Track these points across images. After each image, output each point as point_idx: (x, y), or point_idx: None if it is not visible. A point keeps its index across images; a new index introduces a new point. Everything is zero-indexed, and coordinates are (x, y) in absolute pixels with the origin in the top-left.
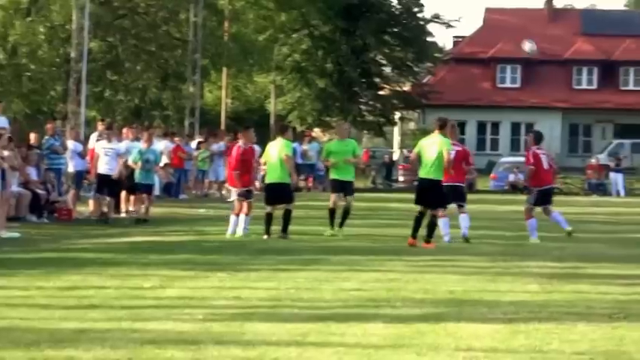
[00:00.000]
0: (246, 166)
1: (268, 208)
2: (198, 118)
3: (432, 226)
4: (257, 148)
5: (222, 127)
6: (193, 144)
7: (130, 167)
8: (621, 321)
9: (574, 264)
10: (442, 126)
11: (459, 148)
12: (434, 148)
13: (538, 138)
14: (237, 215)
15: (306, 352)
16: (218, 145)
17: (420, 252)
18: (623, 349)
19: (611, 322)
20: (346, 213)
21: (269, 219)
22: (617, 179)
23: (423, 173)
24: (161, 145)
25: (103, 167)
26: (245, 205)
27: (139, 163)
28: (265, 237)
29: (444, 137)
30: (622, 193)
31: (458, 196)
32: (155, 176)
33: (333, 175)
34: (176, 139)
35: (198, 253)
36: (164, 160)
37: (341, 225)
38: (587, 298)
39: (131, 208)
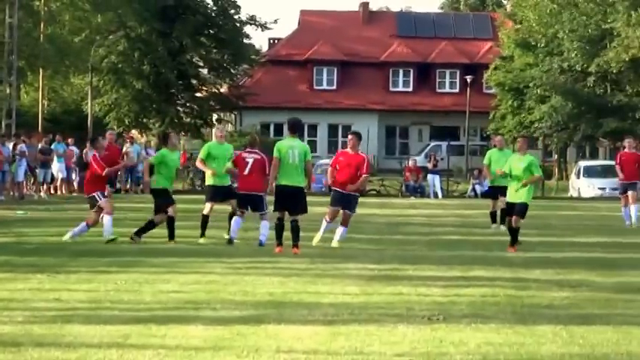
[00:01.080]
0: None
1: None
2: (15, 119)
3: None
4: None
5: (40, 128)
6: (10, 145)
7: None
8: (441, 322)
9: (393, 266)
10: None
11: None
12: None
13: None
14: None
15: (127, 353)
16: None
17: (238, 254)
18: (444, 351)
19: (430, 323)
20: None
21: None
22: (434, 181)
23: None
24: None
25: None
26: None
27: None
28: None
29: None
30: (439, 194)
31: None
32: None
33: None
34: None
35: (17, 254)
36: None
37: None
38: (407, 299)
39: None
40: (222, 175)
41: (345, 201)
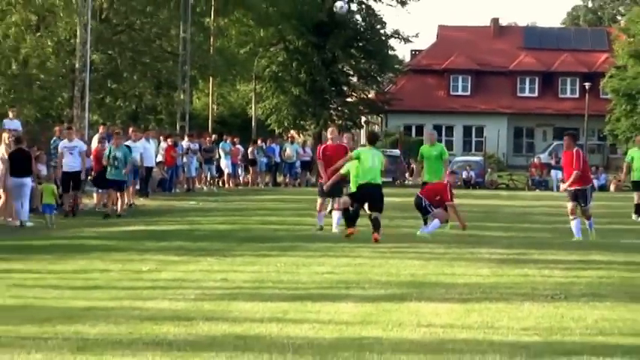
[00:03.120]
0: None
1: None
2: (188, 121)
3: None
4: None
5: (210, 129)
6: (184, 144)
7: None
8: (562, 301)
9: (520, 250)
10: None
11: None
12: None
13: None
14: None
15: (286, 327)
16: (193, 144)
17: (384, 240)
18: (565, 325)
19: (553, 301)
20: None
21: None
22: (557, 176)
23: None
24: (152, 145)
25: (66, 165)
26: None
27: (109, 161)
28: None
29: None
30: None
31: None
32: (124, 173)
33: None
34: (169, 140)
35: (190, 240)
36: (159, 158)
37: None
38: (532, 280)
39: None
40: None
41: None
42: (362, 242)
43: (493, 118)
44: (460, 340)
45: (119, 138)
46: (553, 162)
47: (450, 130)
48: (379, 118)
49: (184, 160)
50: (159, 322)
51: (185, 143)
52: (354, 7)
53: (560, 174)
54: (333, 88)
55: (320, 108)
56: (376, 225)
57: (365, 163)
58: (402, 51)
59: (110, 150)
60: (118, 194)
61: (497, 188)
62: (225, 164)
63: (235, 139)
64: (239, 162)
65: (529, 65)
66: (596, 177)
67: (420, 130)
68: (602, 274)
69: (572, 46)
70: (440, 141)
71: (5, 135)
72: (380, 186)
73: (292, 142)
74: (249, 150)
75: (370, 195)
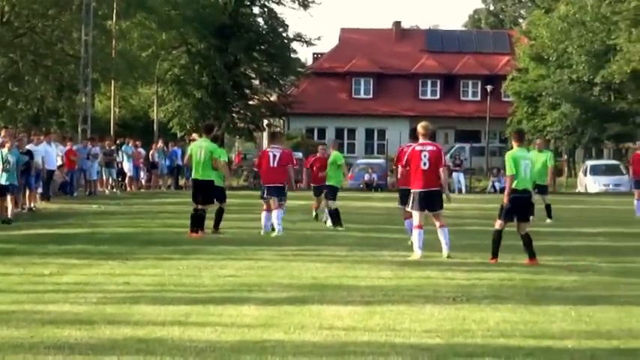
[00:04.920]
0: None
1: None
2: (90, 124)
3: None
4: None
5: (112, 132)
6: (85, 147)
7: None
8: (464, 303)
9: (423, 253)
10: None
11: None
12: None
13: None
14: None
15: (188, 330)
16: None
17: (286, 242)
18: (466, 328)
19: (455, 303)
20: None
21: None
22: (459, 178)
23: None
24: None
25: None
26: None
27: (3, 165)
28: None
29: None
30: (463, 190)
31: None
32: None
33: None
34: (69, 143)
35: (92, 244)
36: (59, 161)
37: None
38: (435, 282)
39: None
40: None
41: None
42: (265, 245)
43: (395, 121)
44: (362, 342)
45: (11, 141)
46: (452, 165)
47: (352, 132)
48: (281, 121)
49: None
50: (60, 325)
51: (86, 147)
52: (256, 10)
53: (462, 176)
54: (236, 91)
55: (222, 111)
56: (196, 221)
57: (194, 158)
58: (304, 54)
59: (2, 154)
60: (9, 198)
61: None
62: (127, 167)
63: (137, 143)
64: (141, 165)
65: (431, 68)
66: (497, 180)
67: (322, 132)
68: (504, 276)
69: (474, 49)
70: (342, 144)
71: None
72: (206, 181)
73: None
74: (151, 153)
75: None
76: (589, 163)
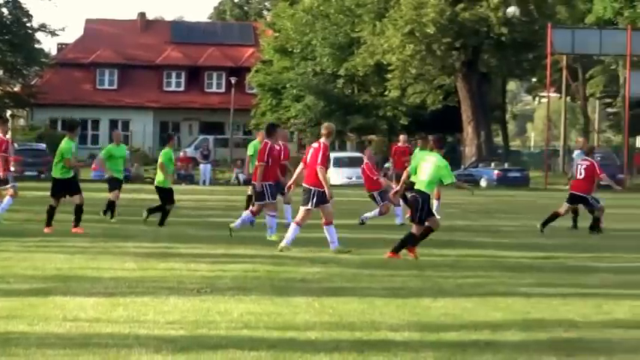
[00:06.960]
0: None
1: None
2: None
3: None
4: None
5: None
6: None
7: None
8: (208, 294)
9: (167, 244)
10: None
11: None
12: None
13: None
14: None
15: None
16: None
17: (30, 234)
18: (210, 319)
19: (199, 295)
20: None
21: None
22: (205, 170)
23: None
24: None
25: None
26: None
27: None
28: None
29: None
30: (207, 182)
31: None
32: None
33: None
34: None
35: None
36: None
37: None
38: (179, 274)
39: None
40: None
41: None
42: (9, 236)
43: (139, 112)
44: (106, 334)
45: None
46: (199, 156)
47: (96, 123)
48: (25, 112)
49: None
50: None
51: None
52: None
53: (208, 168)
54: None
55: None
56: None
57: None
58: (48, 44)
59: None
60: None
61: (144, 182)
62: None
63: None
64: None
65: (175, 60)
66: (240, 171)
67: (66, 124)
68: (248, 267)
69: (219, 40)
70: (86, 135)
71: None
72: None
73: None
74: None
75: None
76: (332, 155)
